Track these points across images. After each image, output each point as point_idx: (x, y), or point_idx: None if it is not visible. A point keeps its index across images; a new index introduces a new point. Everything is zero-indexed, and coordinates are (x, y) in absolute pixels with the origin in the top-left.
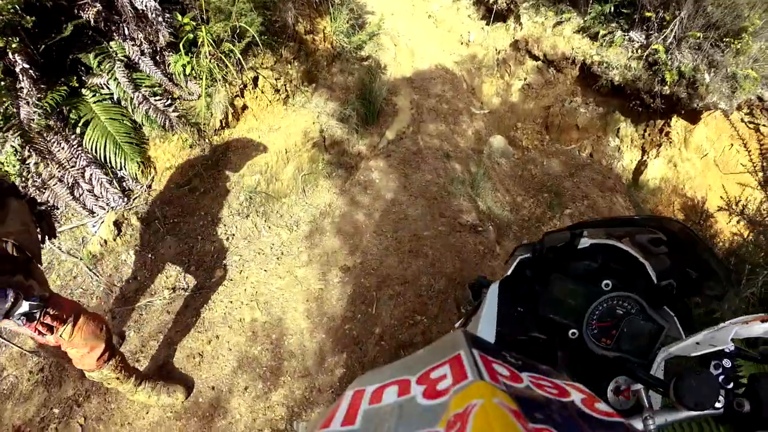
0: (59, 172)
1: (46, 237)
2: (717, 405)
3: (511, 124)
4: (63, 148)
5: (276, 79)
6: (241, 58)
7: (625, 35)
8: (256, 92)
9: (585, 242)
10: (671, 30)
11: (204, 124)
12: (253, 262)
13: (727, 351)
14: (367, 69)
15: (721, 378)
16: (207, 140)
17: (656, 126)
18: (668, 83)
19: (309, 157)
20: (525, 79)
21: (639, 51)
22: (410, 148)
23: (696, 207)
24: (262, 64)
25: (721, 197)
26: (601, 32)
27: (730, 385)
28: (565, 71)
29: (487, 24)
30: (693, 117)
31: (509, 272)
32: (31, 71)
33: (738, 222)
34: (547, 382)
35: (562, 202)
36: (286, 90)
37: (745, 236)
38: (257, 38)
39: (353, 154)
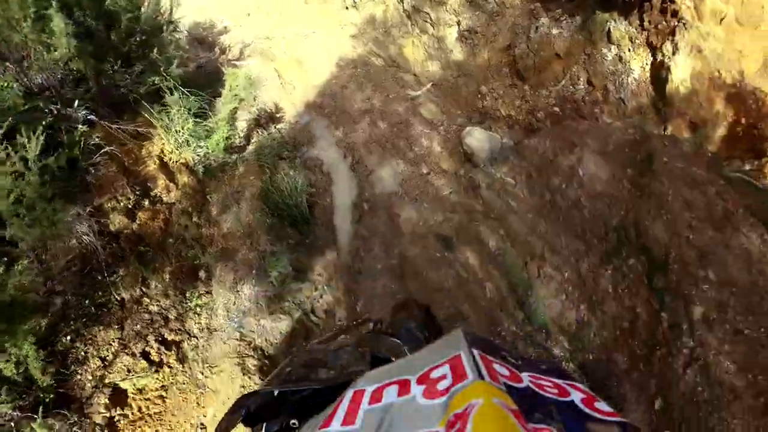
0: None
1: None
2: None
3: (472, 92)
4: None
5: (144, 352)
6: None
7: None
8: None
9: (274, 392)
10: None
11: None
12: None
13: None
14: (257, 156)
15: None
16: None
17: (654, 7)
18: None
19: None
20: (458, 23)
21: None
22: (378, 249)
23: (742, 91)
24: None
25: None
26: None
27: None
28: None
29: None
30: None
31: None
32: None
33: None
34: (547, 381)
35: (663, 268)
36: (166, 349)
37: None
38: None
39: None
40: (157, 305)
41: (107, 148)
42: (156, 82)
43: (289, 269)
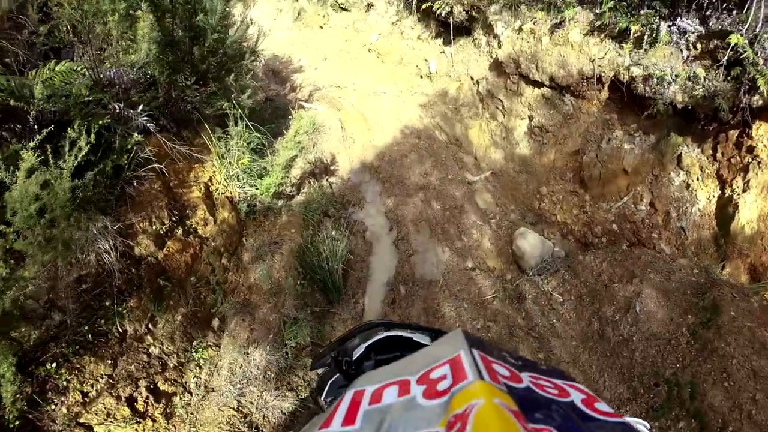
0: None
1: None
2: None
3: (531, 191)
4: None
5: (130, 398)
6: None
7: (671, 26)
8: None
9: (360, 348)
10: (749, 7)
11: None
12: None
13: None
14: (304, 208)
15: None
16: None
17: (729, 140)
18: (763, 92)
19: None
20: (531, 117)
21: (700, 46)
22: None
23: None
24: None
25: None
26: (633, 28)
27: None
28: (589, 96)
29: (447, 44)
30: None
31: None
32: None
33: None
34: (547, 382)
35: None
36: (155, 400)
37: None
38: None
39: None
40: (159, 348)
41: (156, 165)
42: (224, 107)
43: (308, 340)
